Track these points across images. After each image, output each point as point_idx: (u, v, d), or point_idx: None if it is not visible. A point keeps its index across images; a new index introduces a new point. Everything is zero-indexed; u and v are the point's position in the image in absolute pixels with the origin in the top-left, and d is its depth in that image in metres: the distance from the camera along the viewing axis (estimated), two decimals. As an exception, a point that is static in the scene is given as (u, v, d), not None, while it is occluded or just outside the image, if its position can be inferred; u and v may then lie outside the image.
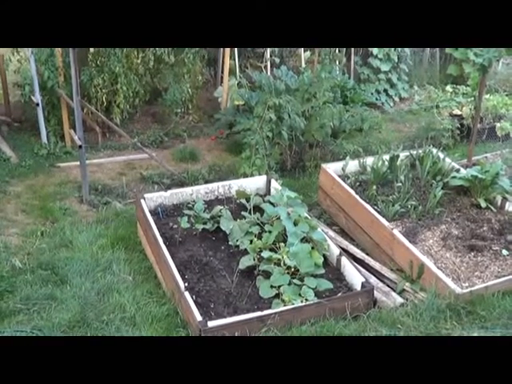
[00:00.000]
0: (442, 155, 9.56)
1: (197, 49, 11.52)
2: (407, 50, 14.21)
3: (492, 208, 8.64)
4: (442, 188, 8.69)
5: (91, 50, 10.76)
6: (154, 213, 8.23)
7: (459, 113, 12.65)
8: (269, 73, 12.42)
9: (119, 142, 11.29)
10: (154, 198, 8.47)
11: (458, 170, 9.24)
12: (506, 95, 13.39)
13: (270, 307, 6.72)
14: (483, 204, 8.62)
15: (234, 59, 12.32)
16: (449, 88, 14.10)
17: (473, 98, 11.86)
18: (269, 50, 12.50)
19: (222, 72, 12.17)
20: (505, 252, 7.80)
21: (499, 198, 8.78)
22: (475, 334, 6.38)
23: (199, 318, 6.26)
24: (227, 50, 11.85)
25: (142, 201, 8.18)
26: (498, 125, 12.23)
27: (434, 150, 9.62)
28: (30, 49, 10.12)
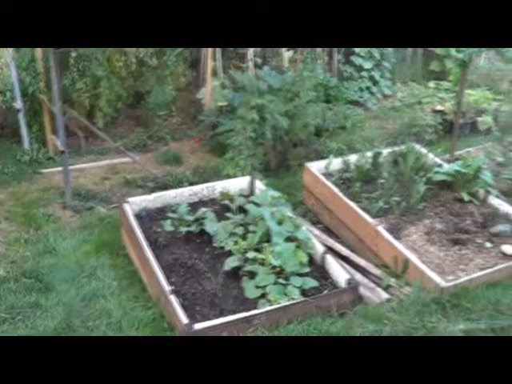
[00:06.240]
0: (424, 151, 9.60)
1: (179, 50, 11.51)
2: (389, 47, 14.24)
3: (475, 201, 8.69)
4: (426, 183, 8.72)
5: (73, 54, 10.71)
6: (138, 217, 8.18)
7: (442, 108, 12.71)
8: (252, 73, 12.40)
9: (102, 146, 11.23)
10: (138, 202, 8.43)
11: (440, 165, 9.28)
12: (488, 90, 13.46)
13: (256, 307, 6.70)
14: (466, 198, 8.67)
15: (218, 60, 12.30)
16: (431, 84, 14.17)
17: (455, 94, 11.89)
18: (251, 50, 12.47)
19: (205, 73, 12.16)
20: (488, 244, 7.85)
21: (482, 192, 8.83)
22: (461, 327, 6.41)
23: (185, 320, 6.23)
24: (209, 51, 11.83)
25: (126, 205, 8.15)
26: (479, 119, 12.29)
27: (417, 146, 9.66)
28: (10, 54, 10.07)
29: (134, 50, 10.98)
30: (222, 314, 6.67)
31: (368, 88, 14.00)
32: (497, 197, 8.85)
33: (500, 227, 8.17)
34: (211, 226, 7.94)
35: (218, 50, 12.24)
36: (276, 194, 8.24)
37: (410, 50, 15.11)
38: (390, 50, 14.27)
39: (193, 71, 13.15)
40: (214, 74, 12.19)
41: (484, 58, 14.67)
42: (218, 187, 8.86)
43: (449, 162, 9.68)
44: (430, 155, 9.56)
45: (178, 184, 9.78)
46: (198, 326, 6.21)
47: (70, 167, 9.42)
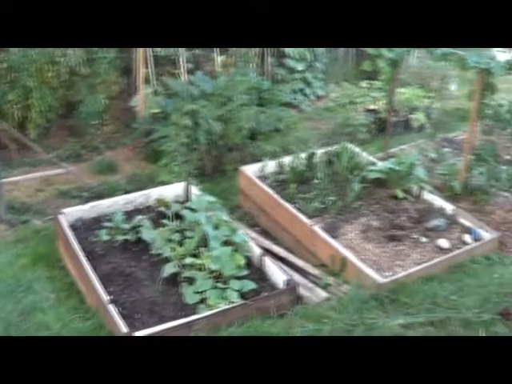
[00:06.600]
0: (358, 150, 9.71)
1: (110, 58, 11.43)
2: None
3: (409, 198, 8.83)
4: (360, 182, 8.84)
5: (2, 65, 10.54)
6: (73, 227, 8.09)
7: (374, 107, 12.88)
8: (185, 79, 12.37)
9: (35, 157, 11.00)
10: (73, 213, 8.34)
11: (374, 164, 9.40)
12: (419, 87, 13.67)
13: (195, 313, 6.68)
14: (400, 194, 8.80)
15: (150, 67, 12.23)
16: (364, 84, 14.33)
17: (387, 93, 12.05)
18: (184, 56, 12.45)
19: (138, 81, 12.08)
20: (424, 239, 8.01)
21: (416, 188, 8.97)
22: (400, 321, 6.50)
23: (125, 329, 6.19)
24: (141, 58, 11.77)
25: (61, 216, 8.06)
26: (412, 117, 12.48)
27: (351, 146, 9.77)
28: None
29: (64, 59, 10.83)
30: (161, 320, 6.62)
31: (301, 90, 14.06)
32: (431, 192, 9.01)
33: (435, 222, 8.32)
34: (148, 233, 7.91)
35: (150, 57, 12.18)
36: (211, 198, 8.25)
37: (341, 50, 15.22)
38: (322, 50, 14.36)
39: (125, 79, 13.03)
40: (147, 81, 12.12)
41: (415, 57, 14.87)
42: (153, 194, 8.83)
43: (383, 159, 9.81)
44: (364, 154, 9.69)
45: (114, 193, 9.65)
46: (138, 333, 6.16)
47: (3, 180, 9.25)
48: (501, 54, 9.47)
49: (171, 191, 8.91)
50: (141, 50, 11.76)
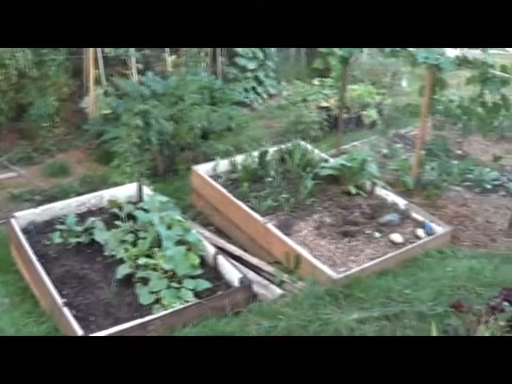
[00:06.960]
0: (310, 147, 9.75)
1: (60, 60, 11.33)
2: (272, 46, 14.35)
3: (362, 194, 8.90)
4: (313, 179, 8.88)
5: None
6: (26, 231, 8.00)
7: (327, 105, 12.94)
8: (136, 79, 12.31)
9: (-16, 162, 10.94)
10: (25, 216, 8.24)
11: (327, 161, 9.44)
12: (371, 84, 13.78)
13: (151, 313, 6.65)
14: (353, 190, 8.86)
15: (100, 68, 12.15)
16: (316, 81, 14.38)
17: (338, 90, 12.12)
18: (134, 56, 12.39)
19: (88, 82, 11.99)
20: (377, 234, 8.08)
21: (368, 184, 9.04)
22: (355, 316, 6.52)
23: (80, 332, 6.15)
24: (90, 59, 11.68)
25: (13, 220, 7.97)
26: (364, 113, 12.57)
27: (303, 143, 9.81)
28: None
29: (13, 61, 10.69)
30: (117, 322, 6.57)
31: (253, 88, 14.11)
32: (383, 188, 9.09)
33: (388, 217, 8.40)
34: (101, 235, 7.86)
35: (100, 58, 12.10)
36: (164, 198, 8.22)
37: (293, 48, 15.27)
38: (273, 49, 14.39)
39: (75, 80, 12.92)
40: (97, 82, 12.04)
41: (366, 54, 14.98)
42: (105, 196, 8.76)
43: (335, 156, 9.86)
44: (316, 151, 9.74)
45: (66, 195, 9.56)
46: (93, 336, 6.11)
47: (-47, 185, 9.14)
48: (450, 50, 9.54)
49: (124, 192, 8.85)
50: (91, 51, 11.68)
